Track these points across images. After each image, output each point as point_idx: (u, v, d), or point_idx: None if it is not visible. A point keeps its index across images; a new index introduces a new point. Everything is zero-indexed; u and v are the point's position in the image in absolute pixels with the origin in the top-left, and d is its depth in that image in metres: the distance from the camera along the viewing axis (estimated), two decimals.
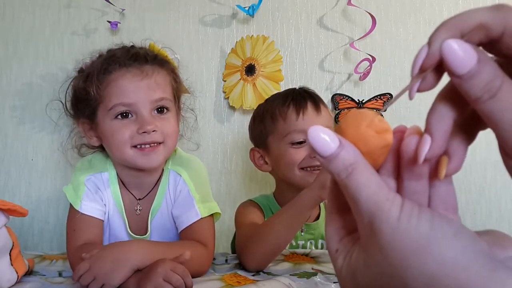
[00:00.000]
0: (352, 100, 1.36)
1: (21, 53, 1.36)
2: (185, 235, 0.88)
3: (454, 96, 0.26)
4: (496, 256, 0.25)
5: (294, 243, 1.05)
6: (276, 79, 1.33)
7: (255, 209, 1.01)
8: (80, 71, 0.93)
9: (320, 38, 1.38)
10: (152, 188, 0.94)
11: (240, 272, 0.84)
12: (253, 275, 0.82)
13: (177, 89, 0.95)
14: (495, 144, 0.26)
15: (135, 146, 0.86)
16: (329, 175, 0.29)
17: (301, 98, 1.01)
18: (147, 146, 0.86)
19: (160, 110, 0.89)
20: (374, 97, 1.37)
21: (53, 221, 1.34)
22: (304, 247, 1.05)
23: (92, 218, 0.88)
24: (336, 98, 1.37)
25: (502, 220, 1.37)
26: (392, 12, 1.38)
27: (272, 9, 1.38)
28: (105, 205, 0.91)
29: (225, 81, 1.37)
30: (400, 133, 0.28)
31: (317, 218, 1.07)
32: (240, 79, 1.33)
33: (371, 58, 1.32)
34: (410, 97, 0.27)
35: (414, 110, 1.34)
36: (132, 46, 0.94)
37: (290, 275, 0.80)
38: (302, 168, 0.97)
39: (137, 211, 0.93)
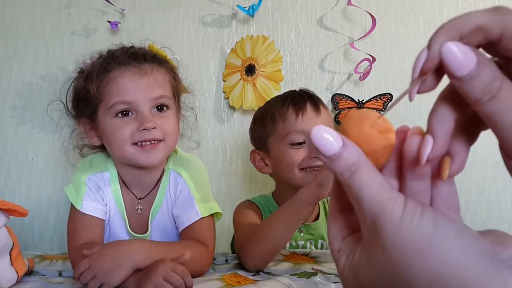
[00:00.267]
0: (352, 100, 1.37)
1: (21, 53, 1.36)
2: (185, 235, 0.89)
3: (455, 97, 0.26)
4: (499, 256, 0.25)
5: (294, 244, 1.05)
6: (276, 79, 1.33)
7: (254, 209, 1.01)
8: (80, 71, 0.94)
9: (320, 38, 1.38)
10: (153, 188, 0.94)
11: (240, 272, 0.84)
12: (253, 275, 0.82)
13: (177, 88, 0.96)
14: (495, 143, 0.26)
15: (135, 144, 0.86)
16: (327, 174, 0.29)
17: (301, 99, 1.01)
18: (148, 143, 0.86)
19: (160, 108, 0.89)
20: (374, 97, 1.37)
21: (53, 221, 1.34)
22: (304, 247, 1.05)
23: (93, 217, 0.88)
24: (336, 98, 1.37)
25: (502, 220, 1.37)
26: (392, 12, 1.38)
27: (272, 9, 1.38)
28: (106, 204, 0.91)
29: (225, 81, 1.37)
30: (402, 134, 0.29)
31: (317, 218, 1.07)
32: (240, 79, 1.33)
33: (371, 58, 1.32)
34: (410, 99, 0.27)
35: (415, 110, 1.34)
36: (131, 46, 0.95)
37: (290, 275, 0.80)
38: (302, 169, 0.97)
39: (138, 210, 0.93)
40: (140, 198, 0.94)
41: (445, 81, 0.27)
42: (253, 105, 1.31)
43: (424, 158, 0.26)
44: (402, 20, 1.38)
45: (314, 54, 1.38)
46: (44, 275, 0.83)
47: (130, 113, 0.87)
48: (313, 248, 1.05)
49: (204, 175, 0.97)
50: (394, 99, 1.34)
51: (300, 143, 0.97)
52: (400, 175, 0.29)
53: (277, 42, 1.36)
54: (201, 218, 0.88)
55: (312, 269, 0.85)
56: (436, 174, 0.28)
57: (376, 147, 0.28)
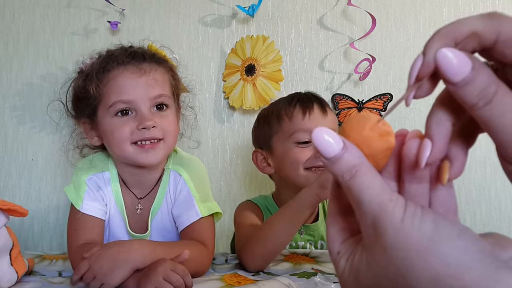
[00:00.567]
0: (352, 100, 1.36)
1: (21, 53, 1.36)
2: (185, 234, 0.89)
3: (452, 101, 0.26)
4: (500, 257, 0.25)
5: (294, 244, 1.05)
6: (276, 79, 1.33)
7: (255, 210, 1.01)
8: (80, 71, 0.94)
9: (320, 38, 1.38)
10: (153, 188, 0.94)
11: (240, 272, 0.84)
12: (253, 275, 0.83)
13: (176, 87, 0.96)
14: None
15: (135, 143, 0.86)
16: (329, 176, 0.29)
17: (307, 99, 1.01)
18: (147, 142, 0.86)
19: (160, 107, 0.89)
20: (374, 97, 1.37)
21: (53, 221, 1.34)
22: (304, 248, 1.05)
23: (93, 217, 0.88)
24: (336, 98, 1.37)
25: (502, 220, 1.37)
26: (392, 12, 1.38)
27: (272, 9, 1.38)
28: (106, 204, 0.92)
29: (225, 81, 1.37)
30: (401, 137, 0.29)
31: (316, 219, 1.07)
32: (240, 79, 1.33)
33: (371, 58, 1.32)
34: (407, 105, 0.27)
35: (415, 110, 1.34)
36: (130, 46, 0.95)
37: (290, 275, 0.80)
38: (307, 169, 0.97)
39: (138, 210, 0.93)
40: (140, 198, 0.94)
41: (442, 84, 0.27)
42: (253, 105, 1.31)
43: (423, 162, 0.26)
44: (402, 20, 1.38)
45: (314, 54, 1.38)
46: (44, 275, 0.83)
47: (129, 112, 0.87)
48: (313, 248, 1.05)
49: (204, 175, 0.97)
50: (391, 104, 1.34)
51: (306, 142, 0.97)
52: (399, 178, 0.30)
53: (277, 42, 1.36)
54: (201, 218, 0.88)
55: (312, 269, 0.85)
56: (436, 178, 0.28)
57: (376, 150, 0.28)
